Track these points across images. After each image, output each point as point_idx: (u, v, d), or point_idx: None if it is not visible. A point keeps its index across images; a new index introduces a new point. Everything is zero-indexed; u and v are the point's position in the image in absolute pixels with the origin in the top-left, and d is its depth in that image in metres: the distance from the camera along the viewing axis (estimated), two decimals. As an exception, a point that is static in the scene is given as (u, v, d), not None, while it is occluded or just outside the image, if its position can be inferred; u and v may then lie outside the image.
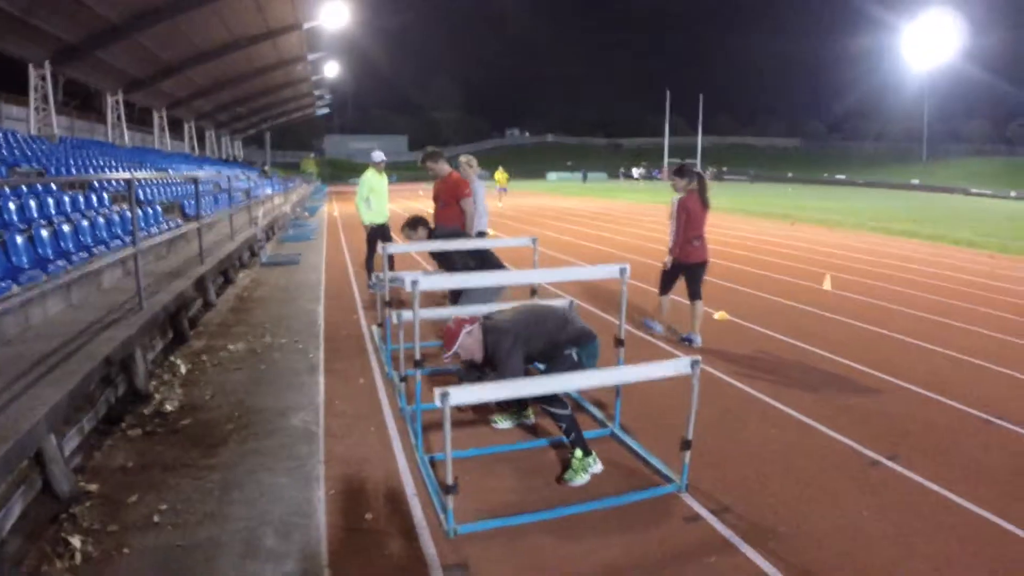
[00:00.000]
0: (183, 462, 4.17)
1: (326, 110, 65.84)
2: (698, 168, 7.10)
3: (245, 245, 12.38)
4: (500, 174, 35.55)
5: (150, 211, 10.95)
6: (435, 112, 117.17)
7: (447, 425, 3.21)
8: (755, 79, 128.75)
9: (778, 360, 6.80)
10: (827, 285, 10.88)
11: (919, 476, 4.19)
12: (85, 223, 8.33)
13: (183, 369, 6.06)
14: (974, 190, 57.91)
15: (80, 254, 7.42)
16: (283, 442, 4.55)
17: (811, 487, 4.06)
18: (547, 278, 4.54)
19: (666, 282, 7.36)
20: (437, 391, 3.16)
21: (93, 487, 3.83)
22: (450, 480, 3.29)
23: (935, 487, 4.06)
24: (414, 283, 4.23)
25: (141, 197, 12.51)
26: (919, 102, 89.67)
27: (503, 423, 4.94)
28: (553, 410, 4.06)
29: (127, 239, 8.51)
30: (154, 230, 10.21)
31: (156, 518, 3.54)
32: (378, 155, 10.08)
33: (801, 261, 14.04)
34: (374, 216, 9.86)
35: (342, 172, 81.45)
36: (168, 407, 5.08)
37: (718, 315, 8.58)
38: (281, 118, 56.32)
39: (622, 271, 4.49)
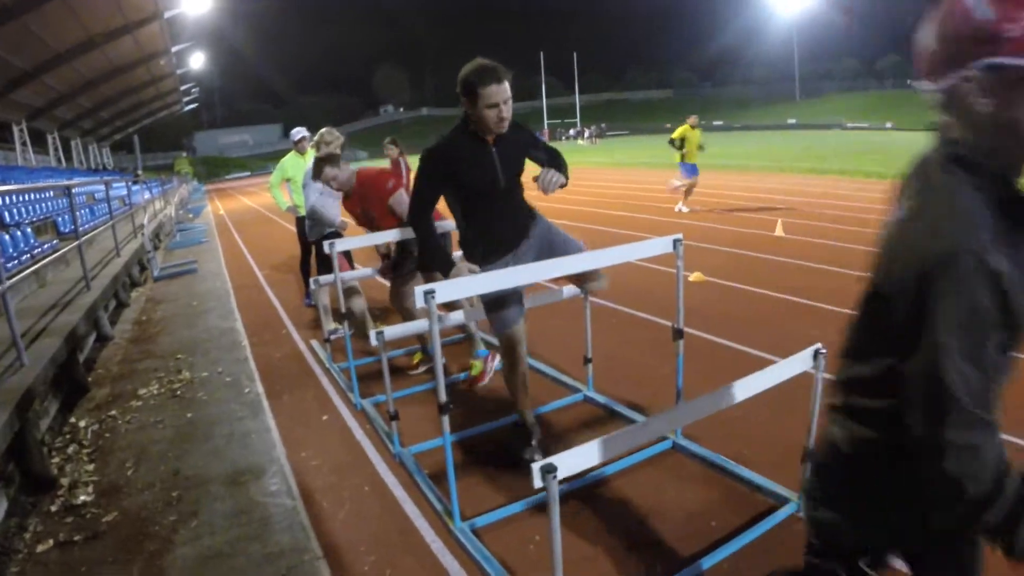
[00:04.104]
0: (120, 588, 2.90)
1: (194, 105, 62.35)
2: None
3: (134, 259, 10.74)
4: (692, 132, 13.80)
5: (19, 234, 9.23)
6: (305, 96, 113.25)
7: (554, 509, 1.93)
8: (623, 34, 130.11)
9: (784, 322, 6.06)
10: (779, 231, 10.39)
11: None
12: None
13: (89, 433, 4.70)
14: (850, 124, 60.80)
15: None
16: (254, 533, 3.21)
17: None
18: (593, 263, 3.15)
19: None
20: (536, 468, 1.88)
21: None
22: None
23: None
24: (429, 295, 2.96)
25: (7, 219, 10.67)
26: (787, 44, 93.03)
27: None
28: None
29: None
30: (26, 257, 8.55)
31: None
32: (298, 132, 8.06)
33: (738, 208, 13.62)
34: (301, 207, 7.50)
35: (218, 169, 78.29)
36: (81, 496, 3.72)
37: (693, 276, 7.82)
38: (148, 118, 52.42)
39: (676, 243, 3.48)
